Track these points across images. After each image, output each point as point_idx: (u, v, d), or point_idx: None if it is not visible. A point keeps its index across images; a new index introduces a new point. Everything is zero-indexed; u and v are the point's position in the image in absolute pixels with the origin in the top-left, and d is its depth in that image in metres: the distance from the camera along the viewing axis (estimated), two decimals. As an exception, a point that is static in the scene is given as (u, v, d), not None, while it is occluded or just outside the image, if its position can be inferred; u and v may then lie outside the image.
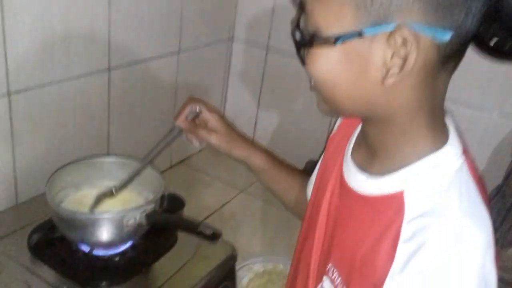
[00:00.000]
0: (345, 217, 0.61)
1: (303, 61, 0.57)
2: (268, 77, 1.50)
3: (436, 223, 0.49)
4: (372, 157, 0.58)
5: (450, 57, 0.50)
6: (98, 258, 0.84)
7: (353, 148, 0.64)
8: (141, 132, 1.27)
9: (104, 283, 0.80)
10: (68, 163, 0.89)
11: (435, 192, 0.52)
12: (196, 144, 0.87)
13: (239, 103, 1.58)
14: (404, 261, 0.49)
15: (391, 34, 0.47)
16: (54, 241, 0.86)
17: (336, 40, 0.50)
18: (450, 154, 0.53)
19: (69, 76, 1.00)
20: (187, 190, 1.32)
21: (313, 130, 1.45)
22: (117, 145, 1.19)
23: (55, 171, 0.86)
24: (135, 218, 0.79)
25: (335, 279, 0.61)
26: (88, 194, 0.89)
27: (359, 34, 0.49)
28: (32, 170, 1.01)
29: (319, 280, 0.65)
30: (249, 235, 1.19)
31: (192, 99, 0.85)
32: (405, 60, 0.48)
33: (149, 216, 0.80)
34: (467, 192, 0.52)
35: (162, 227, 0.88)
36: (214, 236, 0.72)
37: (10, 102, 0.91)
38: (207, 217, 1.24)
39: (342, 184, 0.62)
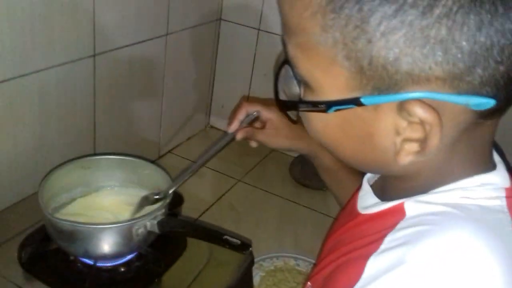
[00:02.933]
0: (341, 237, 0.54)
1: (292, 120, 0.49)
2: (260, 59, 1.40)
3: (431, 233, 0.39)
4: (385, 188, 0.52)
5: (494, 112, 0.39)
6: (101, 269, 0.75)
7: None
8: (129, 120, 1.16)
9: (112, 300, 0.71)
10: (60, 165, 0.78)
11: (446, 214, 0.41)
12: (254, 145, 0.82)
13: (229, 87, 1.48)
14: (372, 276, 0.40)
15: (401, 106, 0.37)
16: (49, 253, 0.76)
17: (327, 107, 0.40)
18: (484, 185, 0.42)
19: (51, 64, 0.88)
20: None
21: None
22: (104, 135, 1.08)
23: (46, 176, 0.75)
24: (146, 226, 0.70)
25: None
26: (84, 199, 0.79)
27: (356, 103, 0.38)
28: (12, 172, 0.89)
29: None
30: (253, 228, 1.11)
31: (246, 102, 0.78)
32: (424, 140, 0.37)
33: (161, 223, 0.71)
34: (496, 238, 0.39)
35: (173, 235, 0.79)
36: (244, 247, 0.64)
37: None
38: (205, 211, 1.15)
39: (354, 206, 0.55)
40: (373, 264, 0.41)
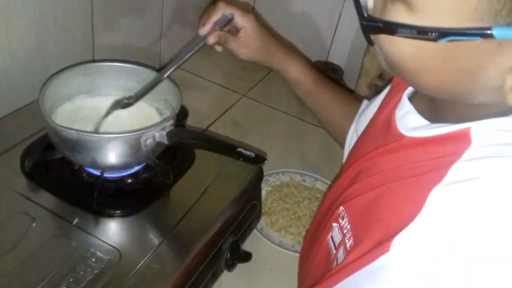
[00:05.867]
0: (378, 161, 0.50)
1: (370, 41, 0.41)
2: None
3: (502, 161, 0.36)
4: (437, 109, 0.46)
5: None
6: (108, 180, 0.73)
7: (412, 96, 0.52)
8: (129, 30, 1.09)
9: (121, 211, 0.69)
10: (60, 71, 0.73)
11: None
12: (219, 49, 0.75)
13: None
14: (437, 211, 0.37)
15: None
16: (52, 163, 0.73)
17: (439, 36, 0.34)
18: None
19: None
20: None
21: (318, 30, 1.30)
22: (103, 44, 1.01)
23: (46, 82, 0.70)
24: (154, 136, 0.67)
25: (344, 226, 0.50)
26: (90, 106, 0.75)
27: (482, 35, 0.32)
28: (9, 78, 0.83)
29: (329, 227, 0.54)
30: (258, 144, 1.08)
31: (222, 3, 0.70)
32: None
33: (170, 134, 0.67)
34: None
35: (181, 147, 0.76)
36: (259, 159, 0.61)
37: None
38: (209, 126, 1.12)
39: (391, 127, 0.50)
40: (438, 198, 0.37)
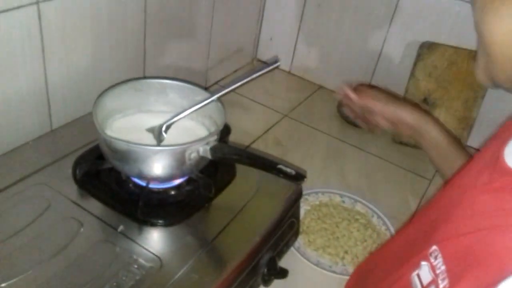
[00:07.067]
0: (479, 200, 0.47)
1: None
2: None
3: None
4: None
5: None
6: (153, 191, 0.75)
7: None
8: (178, 50, 1.14)
9: (163, 220, 0.71)
10: (112, 86, 0.78)
11: None
12: None
13: (279, 19, 1.42)
14: None
15: None
16: (102, 172, 0.77)
17: None
18: None
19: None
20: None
21: (364, 51, 1.31)
22: (154, 63, 1.06)
23: (100, 96, 0.75)
24: (198, 151, 0.69)
25: (437, 266, 0.47)
26: (139, 120, 0.79)
27: None
28: (66, 91, 0.89)
29: (416, 264, 0.51)
30: (298, 163, 1.10)
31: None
32: None
33: (214, 149, 0.69)
34: None
35: (223, 162, 0.78)
36: (298, 177, 0.62)
37: (39, 11, 0.77)
38: (251, 144, 1.15)
39: (498, 163, 0.47)
40: None
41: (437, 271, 0.46)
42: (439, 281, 0.45)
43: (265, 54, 1.48)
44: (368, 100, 0.82)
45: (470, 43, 1.12)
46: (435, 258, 0.48)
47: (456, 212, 0.49)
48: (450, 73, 1.14)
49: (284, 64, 1.46)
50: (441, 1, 1.14)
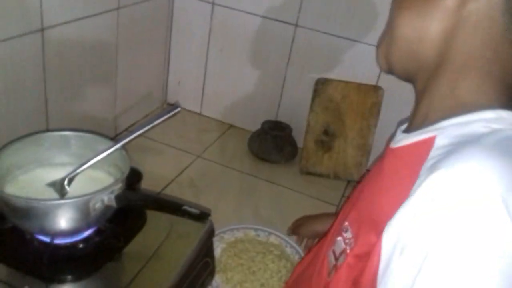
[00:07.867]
0: (374, 177, 0.57)
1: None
2: (215, 34, 1.39)
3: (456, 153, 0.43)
4: (414, 118, 0.54)
5: None
6: (59, 247, 0.74)
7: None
8: (83, 97, 1.13)
9: (71, 276, 0.70)
10: (11, 141, 0.76)
11: (472, 136, 0.44)
12: None
13: (186, 64, 1.46)
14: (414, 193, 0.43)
15: None
16: (3, 232, 0.74)
17: None
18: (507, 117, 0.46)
19: (-3, 37, 0.84)
20: (138, 160, 1.21)
21: (268, 90, 1.38)
22: (57, 113, 1.05)
23: (-3, 152, 0.73)
24: (103, 200, 0.70)
25: (347, 237, 0.57)
26: (41, 175, 0.77)
27: None
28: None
29: (332, 241, 0.61)
30: (213, 203, 1.11)
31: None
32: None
33: (118, 197, 0.70)
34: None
35: (132, 209, 0.78)
36: (203, 216, 0.65)
37: None
38: (165, 187, 1.15)
39: (385, 152, 0.58)
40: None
41: (347, 241, 0.56)
42: (347, 248, 0.55)
43: (174, 97, 1.51)
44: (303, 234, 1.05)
45: (357, 77, 1.23)
46: (346, 231, 0.57)
47: (359, 195, 0.60)
48: (344, 106, 1.25)
49: (194, 106, 1.50)
50: (332, 41, 1.24)
